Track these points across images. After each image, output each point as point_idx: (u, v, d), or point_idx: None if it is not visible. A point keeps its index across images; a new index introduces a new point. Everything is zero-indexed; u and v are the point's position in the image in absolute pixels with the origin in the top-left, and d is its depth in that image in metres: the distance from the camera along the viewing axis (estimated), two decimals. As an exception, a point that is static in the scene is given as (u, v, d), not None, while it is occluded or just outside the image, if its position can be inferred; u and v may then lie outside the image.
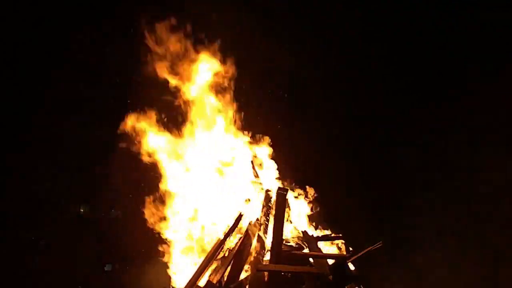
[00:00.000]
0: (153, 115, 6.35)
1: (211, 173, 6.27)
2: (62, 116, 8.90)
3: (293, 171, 6.48)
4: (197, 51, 6.43)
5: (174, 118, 6.46)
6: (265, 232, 5.64)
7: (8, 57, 8.48)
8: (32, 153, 8.85)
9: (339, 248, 5.92)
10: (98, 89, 8.76)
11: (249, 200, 6.07)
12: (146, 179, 6.70)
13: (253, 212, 5.88)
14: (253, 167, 6.24)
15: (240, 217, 5.77)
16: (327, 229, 6.18)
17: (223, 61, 6.47)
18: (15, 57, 8.54)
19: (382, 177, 9.11)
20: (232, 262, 5.35)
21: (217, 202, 6.11)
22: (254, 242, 5.49)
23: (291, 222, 5.99)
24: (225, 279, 5.24)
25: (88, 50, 8.41)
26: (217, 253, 5.59)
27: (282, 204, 5.41)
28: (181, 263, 5.98)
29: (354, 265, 5.38)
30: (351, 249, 5.73)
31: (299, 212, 6.25)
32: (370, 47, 8.98)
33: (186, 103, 6.46)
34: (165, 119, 6.41)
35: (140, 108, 6.38)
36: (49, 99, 8.87)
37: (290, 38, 8.59)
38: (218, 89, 6.49)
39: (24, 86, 8.77)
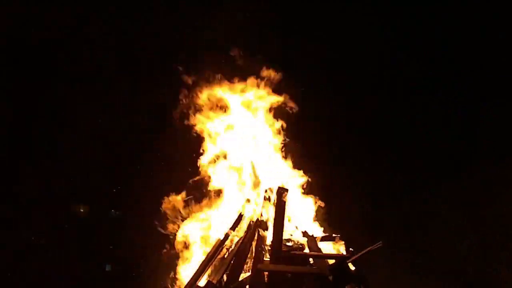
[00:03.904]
0: None
1: (210, 173, 6.27)
2: (61, 116, 8.90)
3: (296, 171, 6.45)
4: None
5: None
6: (265, 232, 5.63)
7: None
8: (32, 154, 8.84)
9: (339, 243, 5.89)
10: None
11: (249, 200, 6.06)
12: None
13: (253, 212, 5.87)
14: (253, 167, 6.21)
15: (240, 217, 5.77)
16: (328, 230, 6.16)
17: None
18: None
19: (381, 177, 9.11)
20: (232, 262, 5.35)
21: (217, 202, 6.10)
22: (254, 242, 5.48)
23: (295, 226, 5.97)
24: (225, 279, 5.24)
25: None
26: (217, 253, 5.59)
27: (282, 204, 5.41)
28: (181, 263, 5.97)
29: (354, 265, 5.37)
30: (351, 249, 5.71)
31: (300, 212, 6.23)
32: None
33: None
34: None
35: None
36: (48, 100, 8.89)
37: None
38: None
39: (24, 85, 8.78)
